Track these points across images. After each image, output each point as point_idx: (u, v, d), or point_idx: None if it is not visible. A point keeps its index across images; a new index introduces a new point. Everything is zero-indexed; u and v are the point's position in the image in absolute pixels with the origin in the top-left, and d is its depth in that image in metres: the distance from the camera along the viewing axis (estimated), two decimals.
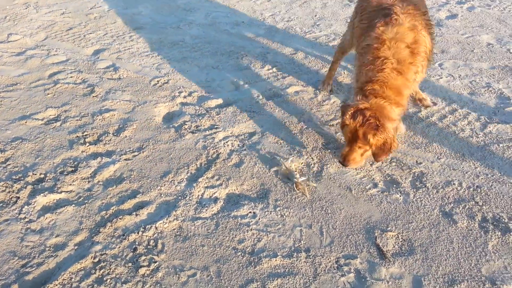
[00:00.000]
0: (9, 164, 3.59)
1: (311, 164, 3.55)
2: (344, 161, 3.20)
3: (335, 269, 2.71)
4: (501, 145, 3.66)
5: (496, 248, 2.79)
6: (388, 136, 2.99)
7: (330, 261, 2.76)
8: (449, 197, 3.20)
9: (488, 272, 2.65)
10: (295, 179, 3.27)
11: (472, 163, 3.51)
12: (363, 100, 3.07)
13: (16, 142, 3.85)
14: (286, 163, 3.41)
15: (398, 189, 3.28)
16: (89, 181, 3.43)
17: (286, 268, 2.72)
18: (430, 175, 3.39)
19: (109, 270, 2.70)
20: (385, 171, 3.46)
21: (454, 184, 3.30)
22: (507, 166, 3.44)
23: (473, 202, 3.14)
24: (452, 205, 3.12)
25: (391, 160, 3.57)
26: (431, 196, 3.21)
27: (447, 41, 5.48)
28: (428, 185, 3.30)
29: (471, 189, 3.25)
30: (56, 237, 2.94)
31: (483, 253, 2.76)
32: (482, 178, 3.35)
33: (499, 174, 3.35)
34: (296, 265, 2.74)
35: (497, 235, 2.88)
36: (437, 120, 4.04)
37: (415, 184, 3.32)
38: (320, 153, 3.68)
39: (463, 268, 2.68)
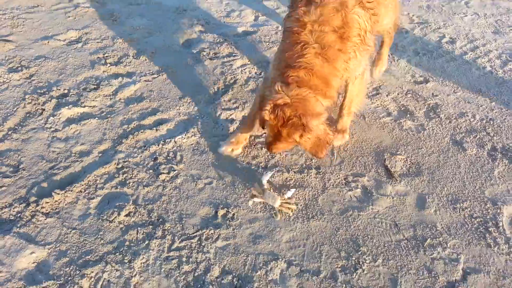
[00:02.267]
0: (34, 80, 3.72)
1: None
2: (269, 150, 2.69)
3: (343, 184, 2.85)
4: None
5: (502, 174, 2.88)
6: (317, 134, 2.50)
7: (338, 178, 2.89)
8: (461, 127, 3.25)
9: (491, 194, 2.75)
10: (275, 202, 2.67)
11: (488, 97, 3.53)
12: (283, 90, 2.47)
13: (39, 60, 3.96)
14: (261, 184, 2.77)
15: (411, 118, 3.34)
16: (110, 98, 3.55)
17: (297, 182, 2.86)
18: (445, 107, 3.43)
19: (131, 175, 2.88)
20: (400, 102, 3.50)
21: (467, 115, 3.34)
22: None
23: (485, 132, 3.19)
24: (463, 134, 3.18)
25: (407, 91, 3.60)
26: (444, 126, 3.26)
27: None
28: (441, 116, 3.35)
29: (484, 121, 3.29)
30: (81, 145, 3.11)
31: (488, 177, 2.86)
32: (496, 112, 3.38)
33: None
34: (307, 179, 2.88)
35: (505, 162, 2.96)
36: (457, 56, 4.00)
37: (429, 115, 3.37)
38: None
39: (467, 190, 2.78)
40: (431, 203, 2.71)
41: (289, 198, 2.68)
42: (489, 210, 2.66)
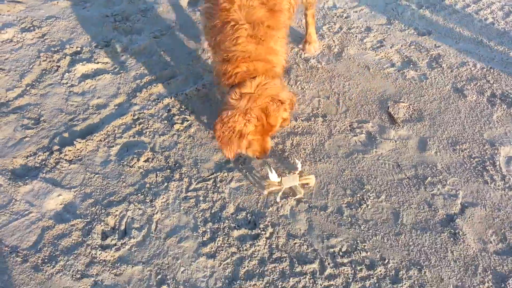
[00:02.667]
0: (47, 39, 3.82)
1: (332, 46, 3.69)
2: (265, 151, 2.57)
3: (348, 130, 2.99)
4: None
5: (500, 118, 3.02)
6: (290, 99, 2.52)
7: (344, 125, 3.03)
8: (462, 76, 3.35)
9: (489, 137, 2.90)
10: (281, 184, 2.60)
11: (489, 48, 3.61)
12: (237, 95, 2.35)
13: (50, 20, 4.04)
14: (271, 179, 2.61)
15: (414, 68, 3.44)
16: (122, 55, 3.66)
17: (304, 129, 3.01)
18: (447, 57, 3.52)
19: (147, 125, 3.04)
20: (403, 53, 3.59)
21: (468, 65, 3.44)
22: None
23: (485, 80, 3.30)
24: (464, 82, 3.30)
25: (410, 43, 3.68)
26: (445, 74, 3.37)
27: None
28: (443, 65, 3.45)
29: (485, 69, 3.39)
30: (97, 98, 3.25)
31: (487, 121, 3.00)
32: (496, 61, 3.47)
33: None
34: (313, 127, 3.03)
35: (503, 107, 3.08)
36: (460, 9, 4.05)
37: (431, 65, 3.47)
38: (342, 36, 3.79)
39: (467, 133, 2.93)
40: (432, 145, 2.86)
41: (301, 171, 2.63)
42: (487, 151, 2.81)
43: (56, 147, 2.88)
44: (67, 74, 3.45)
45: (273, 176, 2.54)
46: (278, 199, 2.56)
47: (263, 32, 2.35)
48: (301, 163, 2.68)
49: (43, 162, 2.81)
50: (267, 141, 2.53)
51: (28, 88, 3.34)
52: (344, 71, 3.46)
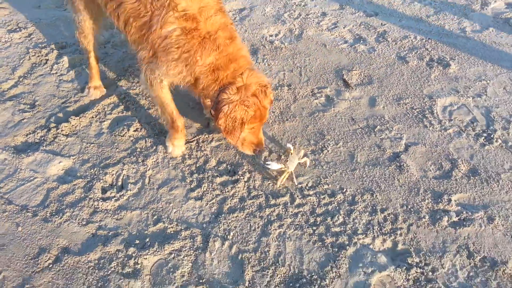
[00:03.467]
0: (33, 37, 4.17)
1: (293, 29, 4.19)
2: (261, 146, 2.82)
3: (310, 95, 3.47)
4: (453, 9, 4.32)
5: (437, 77, 3.56)
6: (269, 89, 2.76)
7: (306, 91, 3.51)
8: (405, 46, 3.90)
9: (428, 92, 3.43)
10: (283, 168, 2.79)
11: (427, 23, 4.18)
12: (234, 90, 2.60)
13: (35, 21, 4.39)
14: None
15: (364, 43, 3.97)
16: (105, 46, 4.05)
17: (273, 96, 3.46)
18: (392, 32, 4.08)
19: (133, 103, 3.43)
20: (355, 32, 4.12)
21: (410, 37, 3.99)
22: (455, 25, 4.12)
23: (424, 49, 3.85)
24: (406, 51, 3.84)
25: (360, 23, 4.22)
26: (390, 46, 3.91)
27: None
28: (389, 39, 3.99)
29: (424, 40, 3.95)
30: (86, 83, 3.62)
31: (426, 80, 3.53)
32: (434, 33, 4.05)
33: (448, 30, 4.04)
34: (280, 94, 3.49)
35: (440, 69, 3.63)
36: None
37: (378, 39, 4.01)
38: (301, 21, 4.30)
39: (409, 90, 3.45)
40: (380, 102, 3.36)
41: (293, 150, 2.86)
42: (426, 103, 3.34)
43: (53, 125, 3.23)
44: (56, 65, 3.81)
45: (275, 165, 2.75)
46: (279, 186, 2.75)
47: (231, 30, 2.65)
48: (291, 144, 2.94)
49: (42, 138, 3.15)
50: (260, 131, 2.79)
51: (21, 79, 3.68)
52: (305, 49, 3.95)
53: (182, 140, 3.01)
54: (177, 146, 3.00)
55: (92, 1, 3.03)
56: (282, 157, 2.94)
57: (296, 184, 2.77)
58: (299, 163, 2.84)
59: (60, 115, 3.34)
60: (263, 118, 2.76)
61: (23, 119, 3.31)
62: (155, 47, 2.58)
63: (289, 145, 2.91)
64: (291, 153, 2.85)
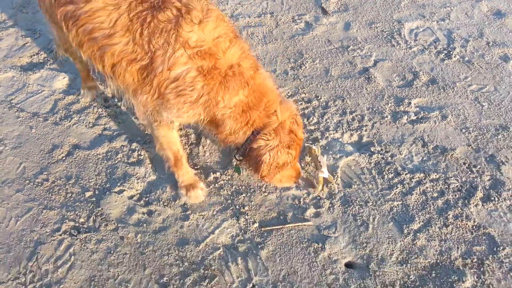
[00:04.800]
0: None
1: None
2: (300, 177, 2.56)
3: (291, 21, 3.79)
4: None
5: (406, 4, 3.90)
6: (298, 115, 2.41)
7: (287, 18, 3.83)
8: None
9: (398, 17, 3.78)
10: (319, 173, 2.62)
11: None
12: (272, 134, 2.23)
13: None
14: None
15: None
16: None
17: (256, 23, 3.78)
18: None
19: None
20: None
21: None
22: None
23: None
24: None
25: None
26: None
27: None
28: None
29: None
30: None
31: (396, 8, 3.87)
32: None
33: None
34: (263, 21, 3.81)
35: None
36: None
37: None
38: None
39: (381, 16, 3.80)
40: (354, 26, 3.71)
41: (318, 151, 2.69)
42: (395, 26, 3.69)
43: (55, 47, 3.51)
44: None
45: (326, 173, 2.60)
46: (320, 192, 2.60)
47: (249, 55, 2.25)
48: (315, 145, 2.79)
49: (46, 59, 3.44)
50: (297, 162, 2.49)
51: (20, 8, 3.91)
52: None
53: (192, 178, 2.62)
54: (193, 191, 2.59)
55: (62, 31, 2.35)
56: (307, 159, 2.77)
57: (338, 184, 2.63)
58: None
59: None
60: (300, 149, 2.44)
61: (26, 43, 3.58)
62: (161, 90, 2.10)
63: (314, 147, 2.71)
64: (317, 155, 2.65)
